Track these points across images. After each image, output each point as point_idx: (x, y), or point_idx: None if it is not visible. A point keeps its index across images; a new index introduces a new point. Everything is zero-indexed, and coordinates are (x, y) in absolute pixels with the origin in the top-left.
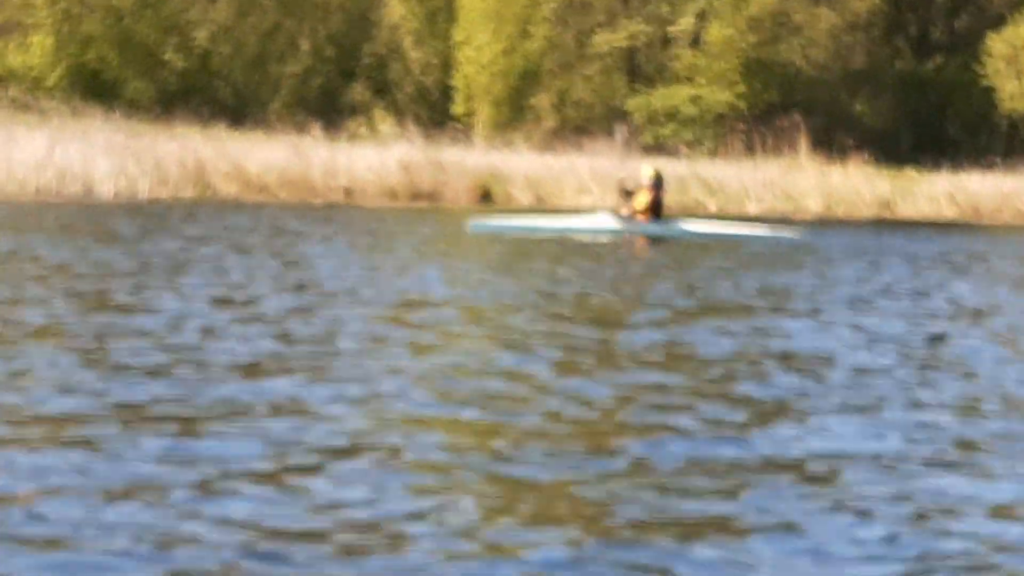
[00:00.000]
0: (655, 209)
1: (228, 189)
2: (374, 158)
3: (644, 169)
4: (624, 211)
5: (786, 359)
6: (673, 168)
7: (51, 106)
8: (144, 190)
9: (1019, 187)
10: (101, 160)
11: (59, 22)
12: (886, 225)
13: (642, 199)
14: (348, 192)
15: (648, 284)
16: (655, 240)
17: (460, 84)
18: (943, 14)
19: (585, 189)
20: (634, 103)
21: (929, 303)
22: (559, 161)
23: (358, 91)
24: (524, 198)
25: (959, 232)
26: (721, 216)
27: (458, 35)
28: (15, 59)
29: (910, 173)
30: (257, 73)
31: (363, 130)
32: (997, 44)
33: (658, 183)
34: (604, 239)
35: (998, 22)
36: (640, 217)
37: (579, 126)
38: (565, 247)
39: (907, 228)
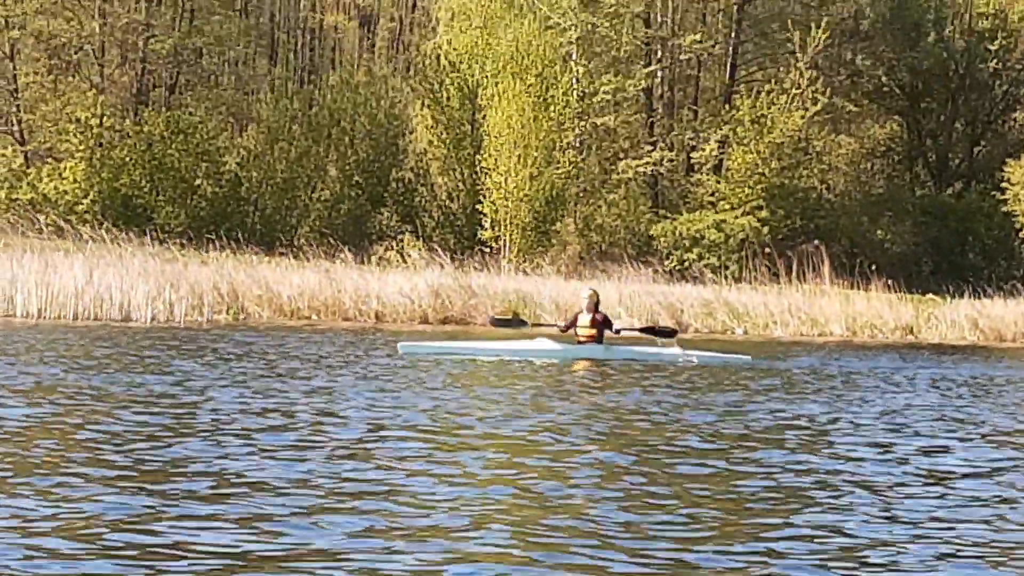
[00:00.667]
0: (599, 332)
1: (261, 313)
2: (404, 283)
3: (583, 291)
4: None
5: None
6: (699, 293)
7: (84, 231)
8: (180, 315)
9: None
10: (138, 286)
11: (91, 148)
12: (910, 349)
13: (584, 321)
14: (379, 316)
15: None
16: (599, 363)
17: (487, 210)
18: (963, 142)
19: (614, 313)
20: (659, 228)
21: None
22: (591, 286)
23: (386, 216)
24: (552, 320)
25: (984, 356)
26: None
27: (485, 162)
28: (48, 185)
29: (932, 299)
30: (286, 199)
31: (393, 255)
32: (1016, 172)
33: (597, 304)
34: (545, 363)
35: (1018, 149)
36: (582, 340)
37: (604, 251)
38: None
39: (933, 351)
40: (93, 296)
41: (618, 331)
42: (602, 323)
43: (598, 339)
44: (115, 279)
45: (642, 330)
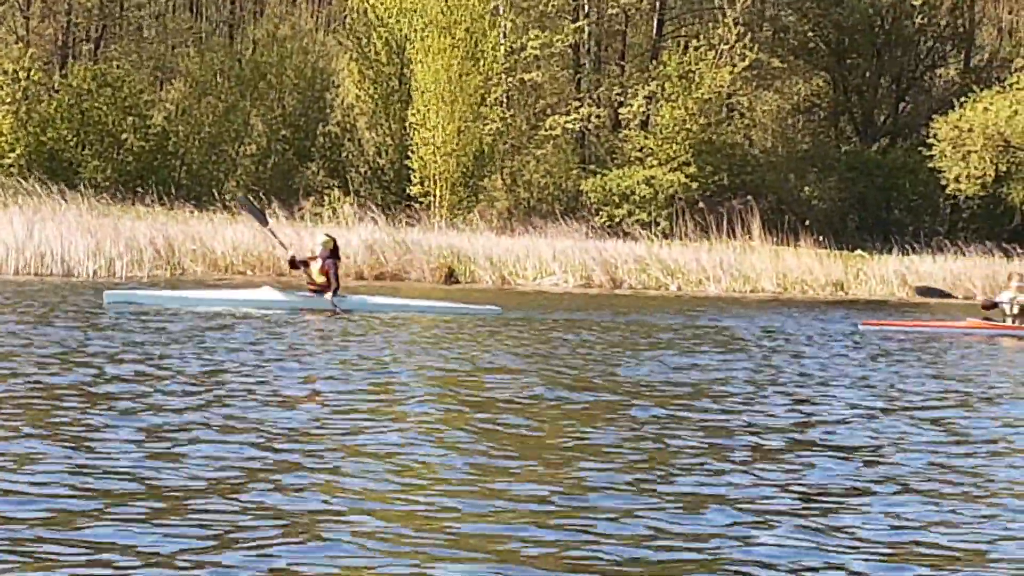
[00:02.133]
0: (330, 280)
1: (195, 268)
2: (338, 238)
3: (318, 236)
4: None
5: None
6: (631, 249)
7: (11, 184)
8: (121, 270)
9: (967, 268)
10: (78, 241)
11: (18, 101)
12: (842, 305)
13: (315, 269)
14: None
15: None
16: (337, 314)
17: (416, 165)
18: (888, 98)
19: (547, 269)
20: (589, 184)
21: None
22: (520, 241)
23: (313, 171)
24: (488, 277)
25: (916, 311)
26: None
27: (413, 117)
28: None
29: (860, 255)
30: (213, 153)
31: (324, 210)
32: (942, 128)
33: (334, 252)
34: (268, 313)
35: (943, 105)
36: (312, 289)
37: (532, 207)
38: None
39: (865, 308)
40: (34, 252)
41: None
42: (334, 272)
43: (327, 289)
44: (54, 234)
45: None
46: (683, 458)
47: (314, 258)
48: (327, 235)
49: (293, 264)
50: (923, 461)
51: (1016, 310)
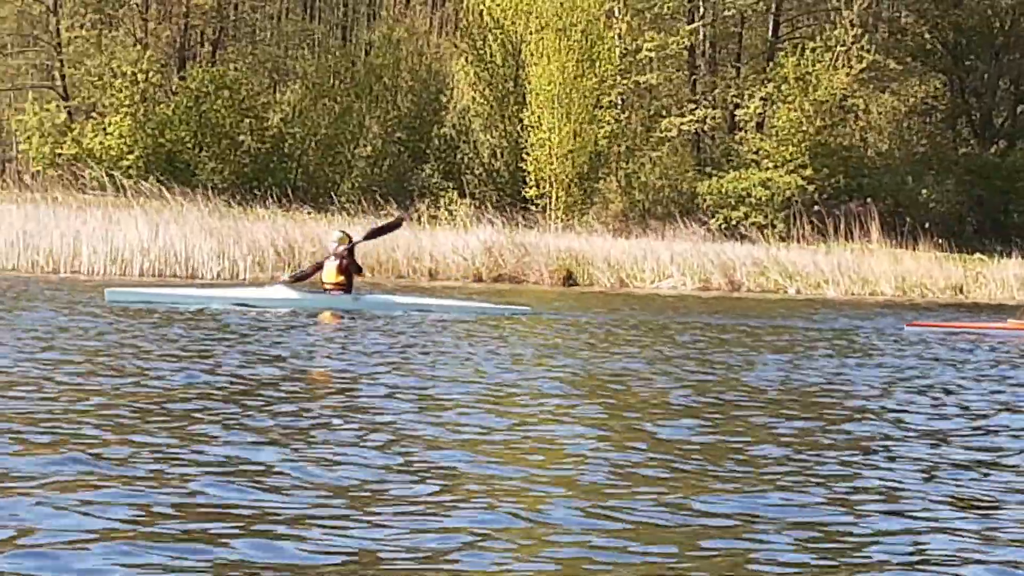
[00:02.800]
0: (347, 279)
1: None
2: (457, 240)
3: (332, 234)
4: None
5: None
6: (749, 251)
7: (129, 186)
8: (245, 272)
9: None
10: (201, 242)
11: (136, 104)
12: (964, 308)
13: (332, 267)
14: (432, 274)
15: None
16: (350, 314)
17: (531, 167)
18: (1007, 100)
19: (665, 272)
20: (705, 186)
21: None
22: (637, 244)
23: (428, 173)
24: (606, 280)
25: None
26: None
27: (528, 119)
28: (93, 140)
29: (980, 258)
30: (329, 155)
31: (442, 212)
32: None
33: (350, 250)
34: (280, 312)
35: None
36: (328, 288)
37: (647, 209)
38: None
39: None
40: (158, 253)
41: (359, 268)
42: (349, 269)
43: (346, 287)
44: (178, 236)
45: (369, 236)
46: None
47: (328, 258)
48: (342, 232)
49: (301, 278)
50: None
51: None
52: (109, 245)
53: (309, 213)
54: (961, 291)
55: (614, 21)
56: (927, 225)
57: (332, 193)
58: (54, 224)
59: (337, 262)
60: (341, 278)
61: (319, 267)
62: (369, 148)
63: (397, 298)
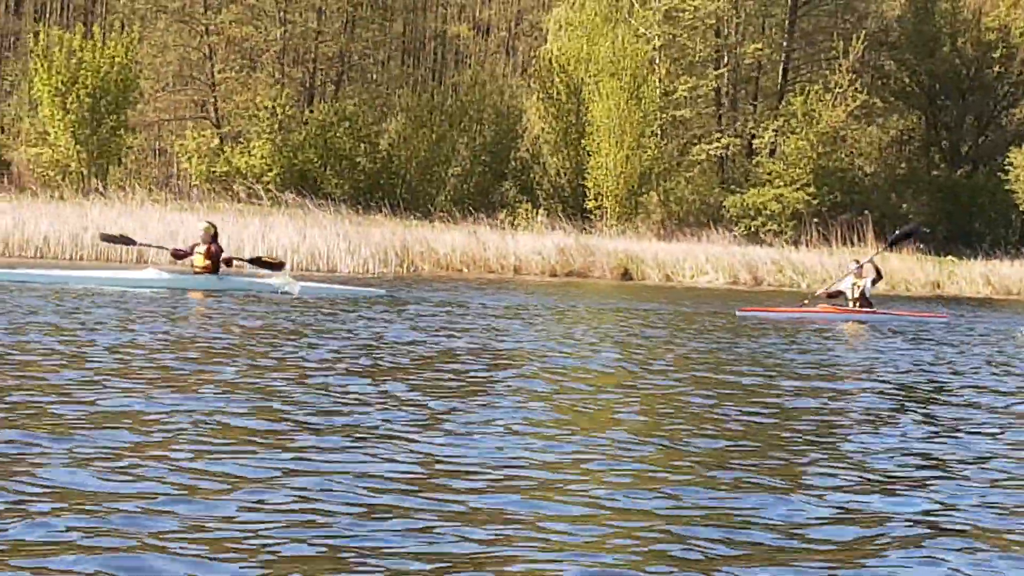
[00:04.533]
0: (214, 262)
1: (423, 266)
2: (535, 242)
3: (200, 224)
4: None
5: None
6: (768, 253)
7: (269, 197)
8: (374, 268)
9: None
10: (339, 243)
11: (275, 132)
12: (941, 300)
13: (199, 253)
14: (516, 269)
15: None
16: (214, 294)
17: (591, 184)
18: (971, 132)
19: (702, 269)
20: (731, 200)
21: None
22: (679, 246)
23: (506, 189)
24: (655, 276)
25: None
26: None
27: (588, 145)
28: (240, 160)
29: (951, 259)
30: (427, 174)
31: (520, 220)
32: (1018, 157)
33: (215, 238)
34: (152, 294)
35: (1017, 138)
36: (197, 271)
37: (681, 219)
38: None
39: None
40: (305, 252)
41: (228, 261)
42: (217, 255)
43: (213, 270)
44: (320, 238)
45: (251, 261)
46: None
47: (197, 244)
48: (208, 222)
49: (177, 255)
50: None
51: (856, 294)
52: (266, 245)
53: (415, 221)
54: (938, 286)
55: (655, 67)
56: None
57: (430, 205)
58: (218, 229)
59: (205, 248)
60: (207, 262)
61: (190, 253)
62: (459, 168)
63: (256, 280)
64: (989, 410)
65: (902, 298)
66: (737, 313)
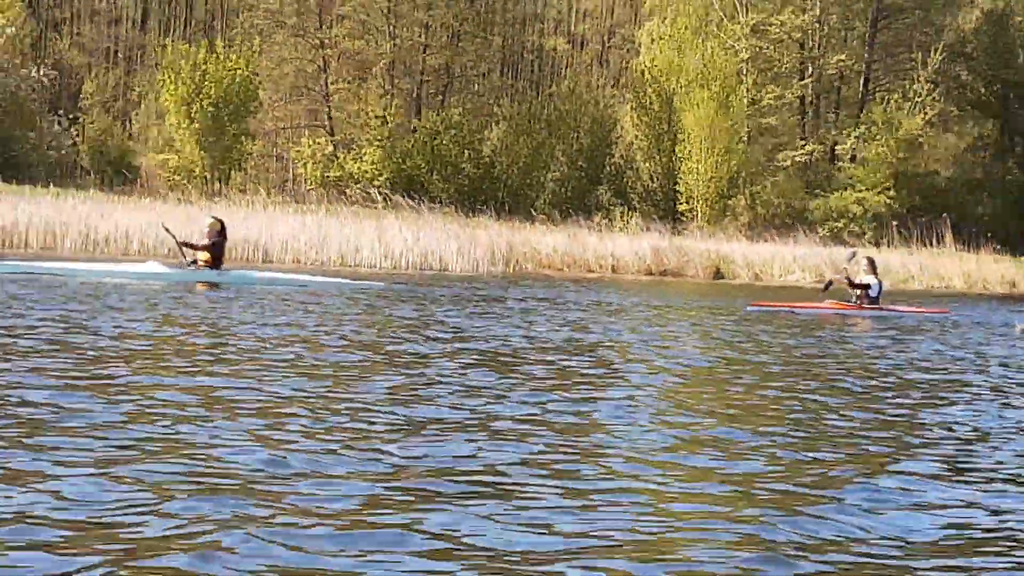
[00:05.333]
0: (215, 258)
1: (527, 266)
2: (631, 244)
3: (206, 219)
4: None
5: None
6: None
7: (380, 200)
8: (483, 267)
9: None
10: (450, 244)
11: (385, 139)
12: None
13: (197, 250)
14: (615, 268)
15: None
16: (213, 286)
17: (683, 188)
18: None
19: (789, 269)
20: (816, 204)
21: None
22: (767, 247)
23: (602, 193)
24: (745, 275)
25: None
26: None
27: (680, 152)
28: (352, 166)
29: None
30: (527, 178)
31: (617, 222)
32: None
33: (221, 232)
34: (155, 285)
35: None
36: (201, 265)
37: (767, 221)
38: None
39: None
40: (419, 252)
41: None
42: (219, 250)
43: (214, 264)
44: (432, 239)
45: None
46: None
47: (204, 238)
48: (214, 217)
49: (189, 246)
50: None
51: (863, 292)
52: (382, 245)
53: (519, 223)
54: (1014, 285)
55: (743, 78)
56: (989, 235)
57: (530, 208)
58: (336, 230)
59: (208, 243)
60: (208, 256)
61: (188, 246)
62: (557, 173)
63: (256, 273)
64: None
65: (980, 296)
66: (748, 308)
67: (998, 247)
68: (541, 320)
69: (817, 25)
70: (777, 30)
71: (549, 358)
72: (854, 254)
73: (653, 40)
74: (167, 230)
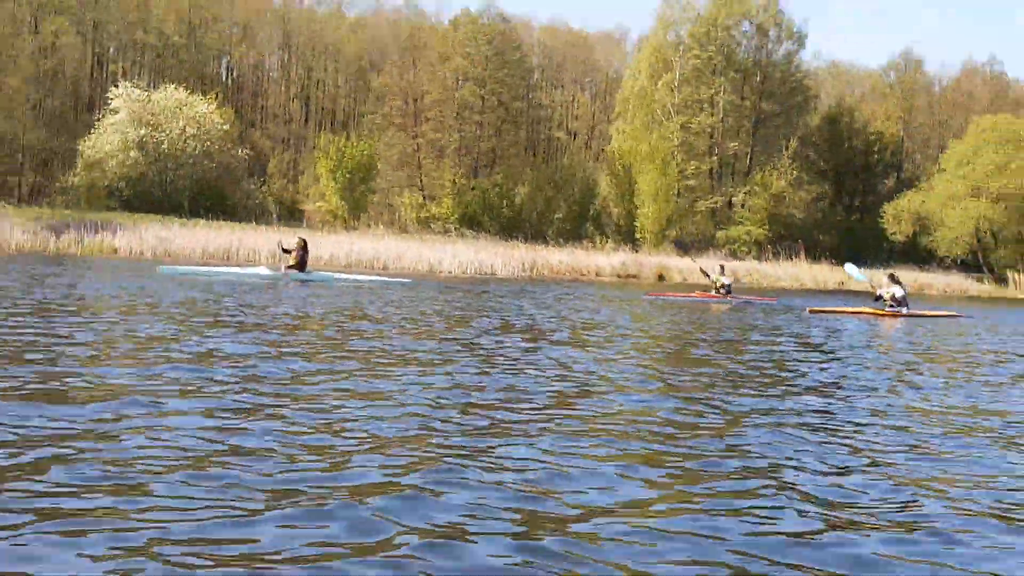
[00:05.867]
0: (301, 264)
1: (544, 272)
2: (609, 259)
3: (295, 239)
4: (281, 265)
5: None
6: (742, 265)
7: (452, 232)
8: (518, 274)
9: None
10: (499, 259)
11: (455, 194)
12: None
13: (291, 258)
14: (597, 273)
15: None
16: (303, 282)
17: (639, 224)
18: (859, 194)
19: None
20: (720, 234)
21: None
22: (689, 260)
23: (588, 228)
24: (678, 277)
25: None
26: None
27: (637, 202)
28: (434, 210)
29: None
30: (543, 215)
31: (599, 245)
32: (888, 209)
33: (304, 247)
34: (265, 282)
35: (887, 198)
36: (290, 269)
37: (690, 243)
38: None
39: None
40: (477, 264)
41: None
42: (303, 258)
43: (300, 268)
44: (488, 255)
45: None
46: None
47: (292, 250)
48: (300, 237)
49: (285, 250)
50: None
51: (722, 288)
52: (457, 259)
53: (526, 243)
54: (841, 284)
55: (675, 156)
56: (827, 254)
57: (546, 236)
58: (428, 249)
59: (296, 252)
60: (295, 262)
61: (289, 252)
62: (561, 215)
63: (334, 275)
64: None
65: (805, 292)
66: (644, 297)
67: (833, 261)
68: (554, 304)
69: (720, 124)
70: (696, 126)
71: (562, 326)
72: (723, 268)
73: (619, 133)
74: (282, 248)
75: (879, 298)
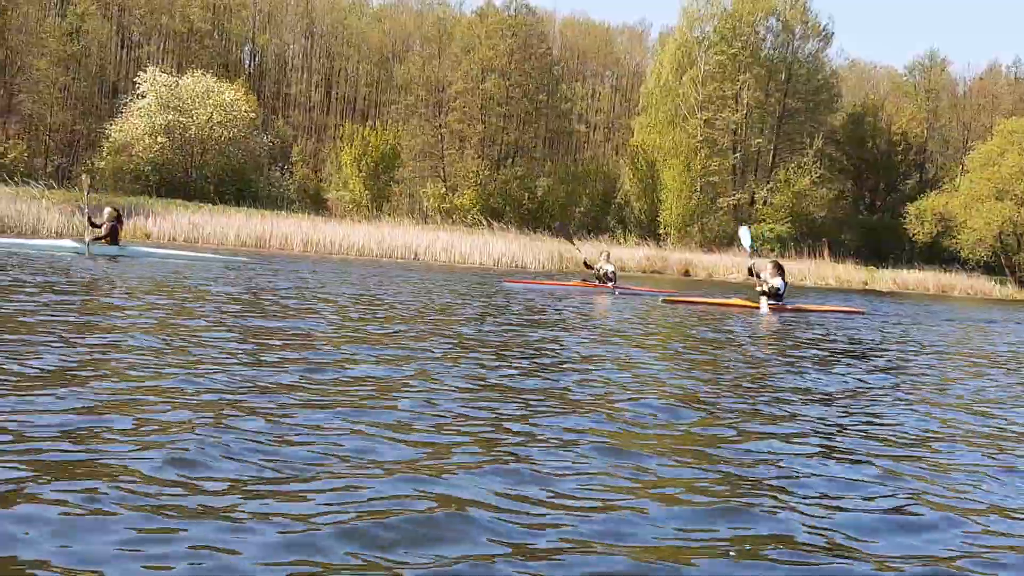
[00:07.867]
0: (112, 236)
1: (568, 265)
2: (630, 253)
3: (106, 210)
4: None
5: None
6: (763, 262)
7: (476, 222)
8: (546, 266)
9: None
10: (526, 251)
11: (477, 185)
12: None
13: (101, 231)
14: (621, 268)
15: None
16: (113, 257)
17: (663, 218)
18: (882, 193)
19: (728, 270)
20: (743, 229)
21: None
22: (714, 256)
23: (610, 221)
24: (703, 274)
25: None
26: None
27: (661, 196)
28: (456, 201)
29: (871, 268)
30: (564, 211)
31: (619, 239)
32: (911, 208)
33: (118, 218)
34: (69, 256)
35: (910, 198)
36: (103, 242)
37: (712, 240)
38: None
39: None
40: (500, 254)
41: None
42: (115, 231)
43: (112, 241)
44: (513, 247)
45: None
46: None
47: (103, 224)
48: (111, 207)
49: (92, 224)
50: None
51: (603, 275)
52: (479, 250)
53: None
54: (866, 284)
55: (698, 152)
56: (851, 253)
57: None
58: (459, 240)
59: (108, 225)
60: (106, 233)
61: (97, 225)
62: (583, 208)
63: (151, 249)
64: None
65: (829, 291)
66: (503, 283)
67: (857, 260)
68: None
69: (744, 120)
70: (721, 123)
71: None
72: (607, 255)
73: (642, 127)
74: (90, 222)
75: (756, 274)
